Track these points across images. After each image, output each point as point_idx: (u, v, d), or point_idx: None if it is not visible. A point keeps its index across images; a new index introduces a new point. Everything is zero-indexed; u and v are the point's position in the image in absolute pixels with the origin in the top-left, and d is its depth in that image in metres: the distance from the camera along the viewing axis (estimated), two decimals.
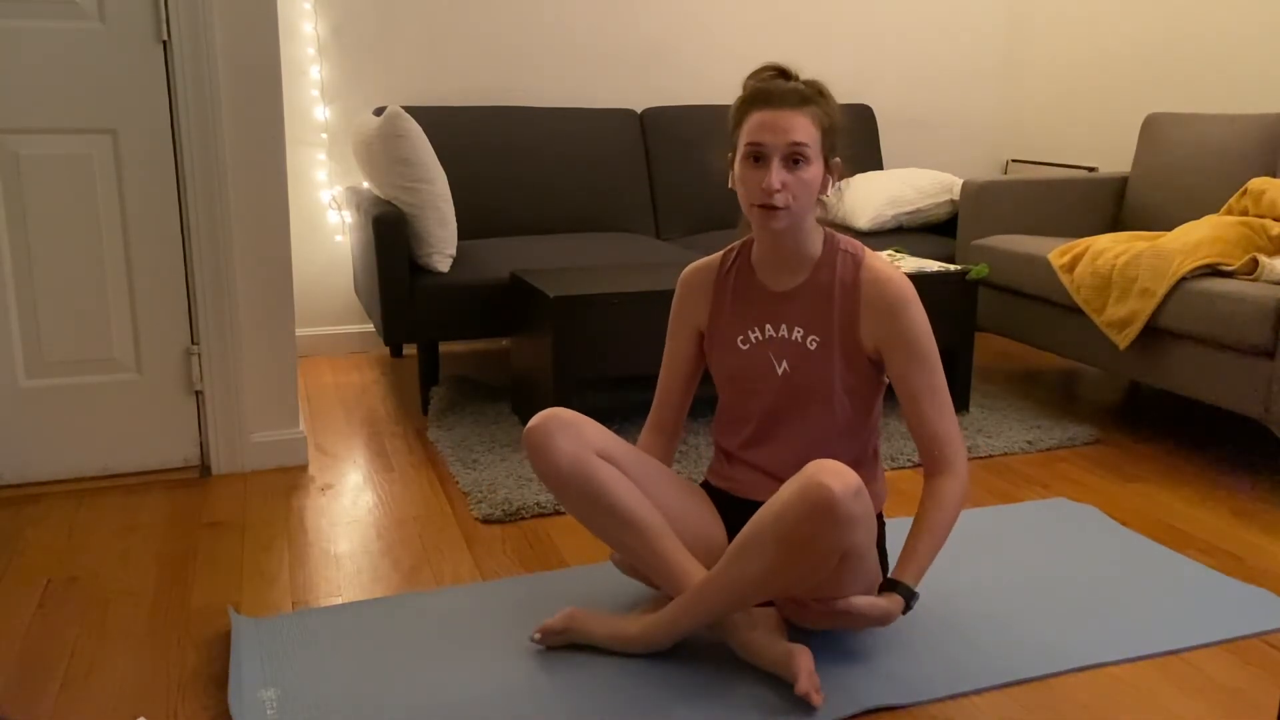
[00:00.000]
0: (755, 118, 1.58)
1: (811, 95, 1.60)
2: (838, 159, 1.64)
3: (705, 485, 1.86)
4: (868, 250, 1.70)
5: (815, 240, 1.69)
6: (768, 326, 1.71)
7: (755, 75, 1.65)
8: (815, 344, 1.68)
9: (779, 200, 1.57)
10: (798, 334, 1.69)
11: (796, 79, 1.63)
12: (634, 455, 1.72)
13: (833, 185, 1.65)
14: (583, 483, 1.63)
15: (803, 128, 1.57)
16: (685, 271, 1.81)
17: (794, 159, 1.57)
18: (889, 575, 1.63)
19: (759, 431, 1.74)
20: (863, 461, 1.74)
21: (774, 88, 1.59)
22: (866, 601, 1.56)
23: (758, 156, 1.58)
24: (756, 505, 1.73)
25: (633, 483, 1.66)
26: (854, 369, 1.68)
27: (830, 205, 1.68)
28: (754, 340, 1.72)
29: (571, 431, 1.64)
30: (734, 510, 1.77)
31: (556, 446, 1.62)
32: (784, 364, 1.70)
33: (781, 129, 1.56)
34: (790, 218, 1.60)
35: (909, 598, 1.59)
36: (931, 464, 1.66)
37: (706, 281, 1.78)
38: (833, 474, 1.44)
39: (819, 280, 1.68)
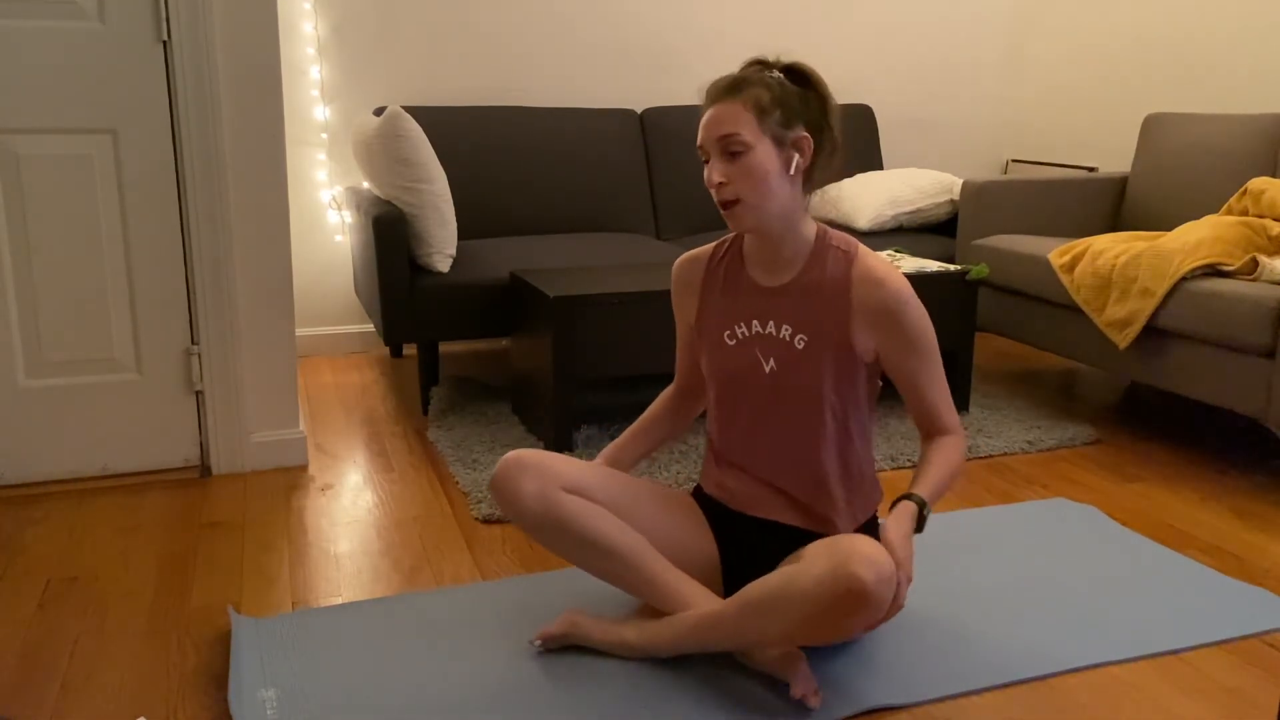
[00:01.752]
0: (701, 119, 1.58)
1: (741, 80, 1.55)
2: (803, 133, 1.55)
3: (698, 491, 1.82)
4: (861, 247, 1.63)
5: (805, 235, 1.63)
6: (755, 323, 1.66)
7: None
8: (803, 343, 1.62)
9: (725, 194, 1.55)
10: (785, 332, 1.63)
11: (773, 67, 1.58)
12: (608, 481, 1.69)
13: (798, 160, 1.56)
14: (554, 521, 1.62)
15: (731, 117, 1.53)
16: (677, 263, 1.77)
17: (730, 151, 1.54)
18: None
19: (748, 431, 1.69)
20: (854, 463, 1.69)
21: (712, 85, 1.58)
22: (894, 533, 1.49)
23: (705, 158, 1.58)
24: (750, 519, 1.71)
25: (607, 510, 1.64)
26: (844, 370, 1.62)
27: (818, 181, 1.61)
28: (741, 336, 1.67)
29: (533, 473, 1.62)
30: (727, 521, 1.74)
31: (521, 490, 1.61)
32: (771, 362, 1.64)
33: (711, 123, 1.55)
34: (749, 210, 1.56)
35: (922, 506, 1.55)
36: (931, 433, 1.67)
37: (696, 274, 1.75)
38: (866, 562, 1.41)
39: (809, 277, 1.63)
